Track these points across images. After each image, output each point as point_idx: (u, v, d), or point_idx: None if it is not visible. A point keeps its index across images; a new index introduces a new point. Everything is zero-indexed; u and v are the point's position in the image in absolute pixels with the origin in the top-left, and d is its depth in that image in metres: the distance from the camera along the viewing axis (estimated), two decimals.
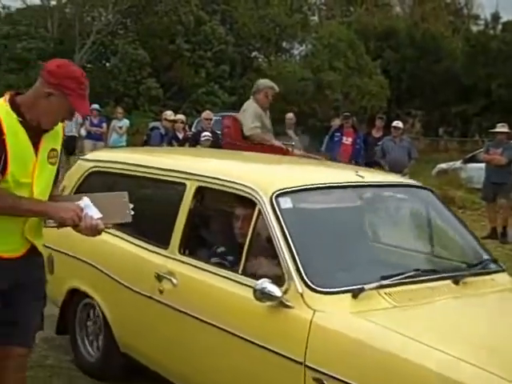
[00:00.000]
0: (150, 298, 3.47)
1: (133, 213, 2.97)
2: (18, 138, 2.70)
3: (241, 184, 3.23)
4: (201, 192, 3.47)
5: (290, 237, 2.95)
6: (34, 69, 23.98)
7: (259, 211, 3.09)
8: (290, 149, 6.45)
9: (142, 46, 26.81)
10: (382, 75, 31.69)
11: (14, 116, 2.70)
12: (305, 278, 2.83)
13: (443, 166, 16.87)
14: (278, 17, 32.95)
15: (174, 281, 3.35)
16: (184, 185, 3.51)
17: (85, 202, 2.84)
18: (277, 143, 6.35)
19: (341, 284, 2.85)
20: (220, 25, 30.22)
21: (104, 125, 13.51)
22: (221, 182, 3.35)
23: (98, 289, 3.86)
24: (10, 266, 2.77)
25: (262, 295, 2.81)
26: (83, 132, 13.42)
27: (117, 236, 3.71)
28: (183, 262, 3.40)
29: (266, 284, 2.81)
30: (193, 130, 13.73)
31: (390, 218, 3.67)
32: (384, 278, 2.88)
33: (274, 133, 7.31)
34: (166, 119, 10.95)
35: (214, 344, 3.18)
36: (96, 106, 13.22)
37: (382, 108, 29.70)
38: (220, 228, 3.66)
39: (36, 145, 2.77)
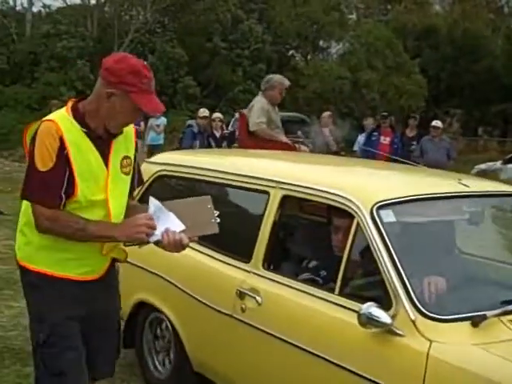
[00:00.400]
0: (230, 316, 3.19)
1: (218, 220, 2.68)
2: (83, 151, 2.41)
3: (335, 194, 2.93)
4: (287, 201, 3.18)
5: (396, 254, 2.64)
6: (74, 67, 24.07)
7: (358, 225, 2.79)
8: (297, 145, 6.37)
9: (180, 44, 26.71)
10: (421, 74, 31.11)
11: (78, 127, 2.41)
12: (416, 302, 2.51)
13: (482, 166, 16.38)
14: (316, 15, 32.61)
15: (258, 298, 3.06)
16: (267, 193, 3.22)
17: (153, 204, 2.51)
18: (284, 139, 6.19)
19: (458, 310, 2.54)
20: (257, 23, 29.99)
21: (141, 123, 13.37)
22: (310, 191, 3.05)
23: (169, 303, 3.60)
24: (87, 289, 2.52)
25: (367, 320, 2.51)
26: None
27: (191, 247, 3.43)
28: (268, 278, 3.11)
29: (372, 308, 2.50)
30: (229, 128, 13.71)
31: (500, 232, 3.33)
32: (505, 302, 2.55)
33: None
34: (199, 117, 10.92)
35: (302, 369, 2.89)
36: None
37: (419, 107, 29.21)
38: (309, 242, 3.36)
39: (106, 156, 2.47)
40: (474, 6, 40.80)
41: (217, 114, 11.72)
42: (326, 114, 11.67)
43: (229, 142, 10.83)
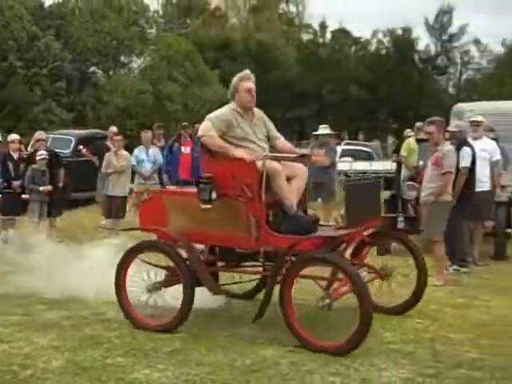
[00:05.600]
0: None
1: None
2: None
3: None
4: None
5: None
6: None
7: None
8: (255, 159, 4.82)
9: None
10: (220, 84, 32.01)
11: None
12: None
13: None
14: (115, 30, 32.80)
15: None
16: None
17: None
18: (237, 153, 4.87)
19: None
20: (55, 40, 29.75)
21: None
22: None
23: None
24: None
25: None
26: None
27: None
28: None
29: None
30: (29, 149, 13.23)
31: None
32: None
33: None
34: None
35: None
36: None
37: None
38: None
39: None
40: (267, 19, 43.61)
41: (14, 136, 10.99)
42: (113, 128, 12.43)
43: (28, 162, 10.78)
